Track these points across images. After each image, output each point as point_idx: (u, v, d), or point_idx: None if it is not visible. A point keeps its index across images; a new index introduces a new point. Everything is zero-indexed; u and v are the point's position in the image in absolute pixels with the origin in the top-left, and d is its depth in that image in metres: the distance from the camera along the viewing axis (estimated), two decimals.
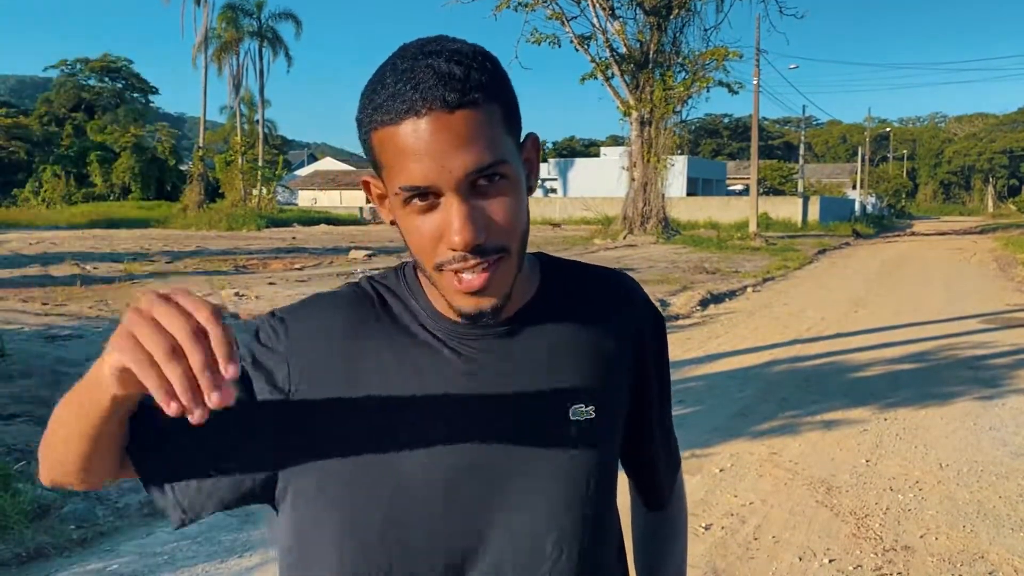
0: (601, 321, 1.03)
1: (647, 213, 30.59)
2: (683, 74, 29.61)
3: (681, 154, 41.66)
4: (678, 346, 9.18)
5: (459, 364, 0.94)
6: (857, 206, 52.89)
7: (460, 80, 0.81)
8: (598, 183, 47.24)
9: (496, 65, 0.86)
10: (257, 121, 53.34)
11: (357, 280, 1.02)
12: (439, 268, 0.86)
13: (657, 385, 1.10)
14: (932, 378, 7.48)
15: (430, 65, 0.81)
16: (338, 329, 0.95)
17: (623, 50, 29.50)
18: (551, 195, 52.85)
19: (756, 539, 3.91)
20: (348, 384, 0.92)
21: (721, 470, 4.90)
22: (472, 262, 0.84)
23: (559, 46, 30.36)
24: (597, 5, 28.84)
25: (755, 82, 30.75)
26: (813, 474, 4.83)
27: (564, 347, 0.99)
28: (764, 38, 31.85)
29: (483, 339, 0.95)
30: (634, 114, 29.58)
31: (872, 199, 61.21)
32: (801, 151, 50.62)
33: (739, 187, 57.32)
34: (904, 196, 79.77)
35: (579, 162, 56.88)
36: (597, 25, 29.40)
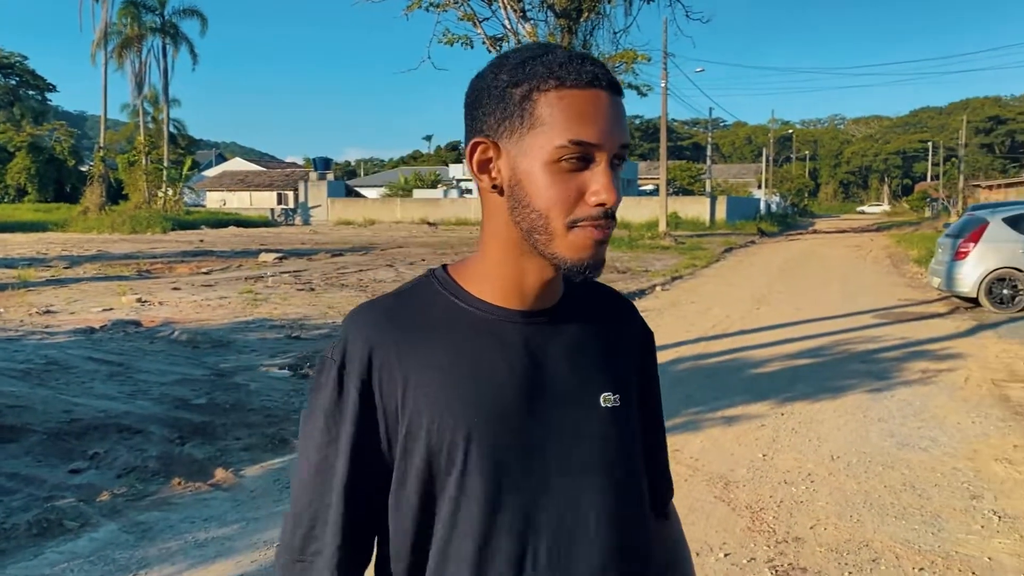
0: (615, 325, 1.16)
1: None
2: None
3: None
4: None
5: (508, 348, 1.04)
6: (762, 205, 54.65)
7: (614, 79, 0.98)
8: None
9: None
10: (162, 120, 51.59)
11: (394, 290, 1.10)
12: (574, 224, 0.97)
13: (656, 393, 1.23)
14: (827, 372, 7.81)
15: (593, 58, 1.00)
16: (403, 327, 1.04)
17: None
18: (466, 196, 52.82)
19: None
20: (419, 371, 1.01)
21: None
22: (607, 220, 0.98)
23: (472, 47, 30.26)
24: (508, 7, 28.99)
25: (663, 84, 31.42)
26: (713, 470, 4.98)
27: (592, 341, 1.11)
28: (672, 41, 32.58)
29: (532, 325, 1.06)
30: None
31: (776, 198, 63.37)
32: (708, 152, 52.02)
33: (650, 187, 58.43)
34: (806, 195, 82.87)
35: None
36: (509, 27, 29.38)
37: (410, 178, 60.21)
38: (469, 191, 55.04)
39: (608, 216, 0.97)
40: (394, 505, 1.03)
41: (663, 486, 1.25)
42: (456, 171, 60.75)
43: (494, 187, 1.01)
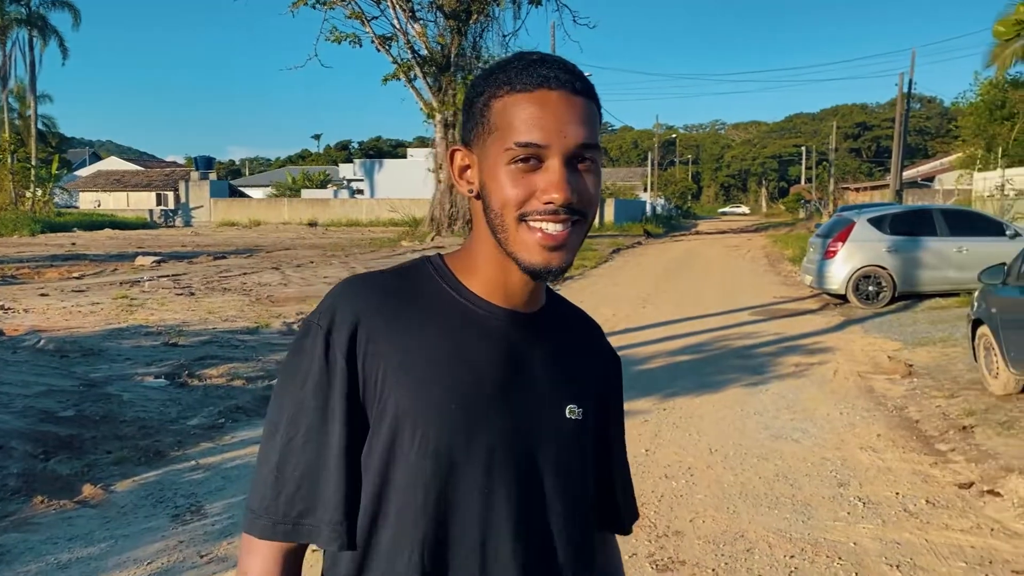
0: (586, 345, 1.19)
1: (454, 215, 30.85)
2: None
3: None
4: None
5: (491, 344, 1.06)
6: (648, 207, 56.11)
7: (580, 79, 1.01)
8: (405, 184, 47.04)
9: None
10: (30, 116, 48.56)
11: (390, 268, 1.12)
12: (523, 217, 0.98)
13: (622, 416, 1.27)
14: (707, 368, 8.08)
15: (559, 61, 1.02)
16: (392, 303, 1.05)
17: (425, 52, 29.58)
18: (357, 196, 52.04)
19: None
20: (399, 349, 1.02)
21: None
22: (561, 216, 0.98)
23: (360, 46, 29.98)
24: (397, 6, 28.74)
25: None
26: None
27: (566, 353, 1.14)
28: (559, 46, 33.01)
29: (515, 325, 1.08)
30: (438, 116, 29.73)
31: (661, 200, 65.20)
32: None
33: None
34: (690, 197, 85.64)
35: (387, 163, 56.40)
36: (398, 26, 29.30)
37: (298, 178, 58.84)
38: (360, 191, 54.27)
39: (566, 214, 0.98)
40: (363, 479, 1.03)
41: (627, 504, 1.28)
42: (346, 171, 59.77)
43: (470, 192, 1.05)
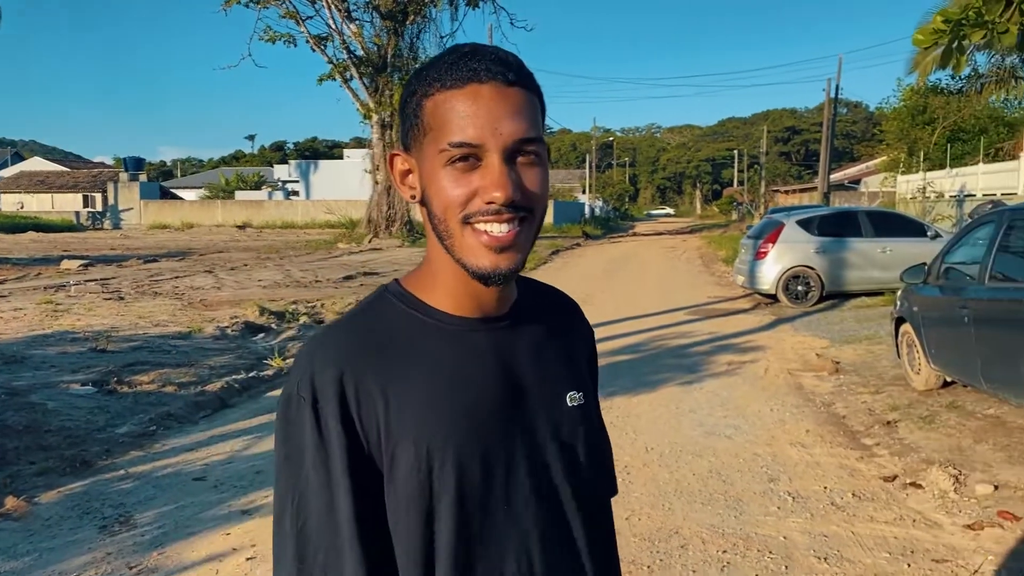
0: (567, 328, 1.17)
1: (392, 216, 30.66)
2: None
3: None
4: None
5: (478, 357, 1.02)
6: (587, 209, 56.65)
7: (515, 66, 0.96)
8: (342, 186, 46.60)
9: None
10: None
11: (349, 312, 1.07)
12: (467, 220, 0.94)
13: (596, 379, 1.24)
14: (644, 367, 8.20)
15: (491, 51, 0.96)
16: (375, 350, 1.00)
17: (361, 52, 29.33)
18: (293, 198, 51.28)
19: None
20: (398, 393, 0.97)
21: None
22: (505, 215, 0.93)
23: (295, 46, 29.61)
24: (333, 6, 28.43)
25: None
26: None
27: (551, 342, 1.11)
28: None
29: (495, 331, 1.05)
30: (374, 117, 29.51)
31: (600, 202, 65.88)
32: None
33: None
34: (627, 199, 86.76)
35: (322, 164, 55.76)
36: (333, 26, 29.01)
37: (232, 179, 57.70)
38: (296, 193, 53.51)
39: (511, 213, 0.94)
40: (393, 529, 0.98)
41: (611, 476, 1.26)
42: (282, 172, 58.86)
43: (413, 197, 1.02)
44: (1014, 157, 20.95)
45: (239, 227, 42.57)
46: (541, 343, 1.10)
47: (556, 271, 20.58)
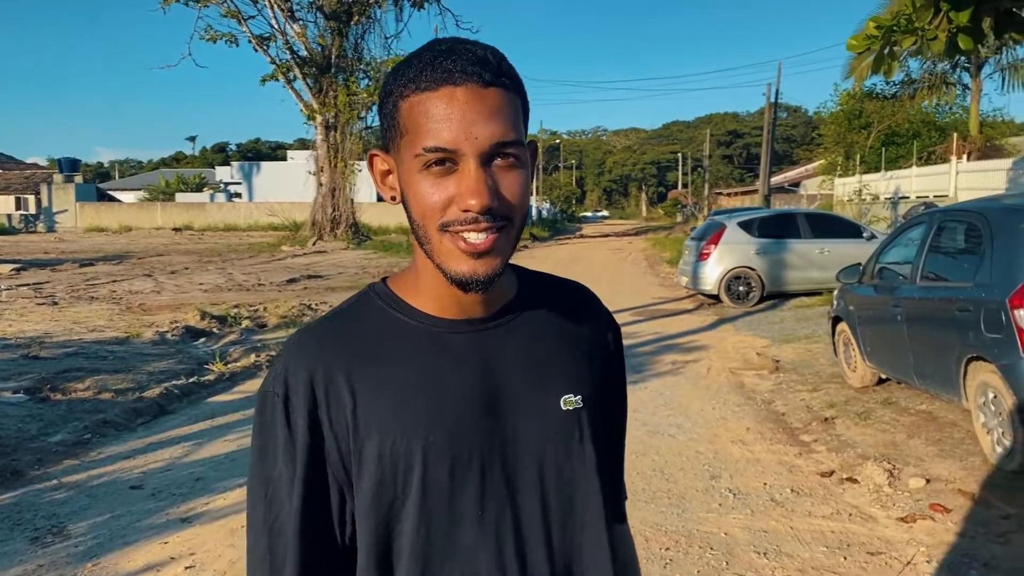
0: (575, 323, 1.11)
1: (336, 219, 30.36)
2: (366, 80, 29.81)
3: None
4: None
5: (458, 360, 1.00)
6: (534, 211, 56.88)
7: (494, 65, 0.92)
8: (286, 188, 45.91)
9: (516, 71, 0.97)
10: None
11: (333, 310, 1.06)
12: (445, 227, 0.92)
13: (620, 391, 1.18)
14: None
15: (468, 49, 0.92)
16: (348, 351, 1.00)
17: (304, 53, 29.00)
18: (235, 200, 50.41)
19: None
20: (366, 393, 0.97)
21: None
22: (483, 224, 0.90)
23: (237, 45, 29.13)
24: (275, 6, 28.05)
25: None
26: None
27: (548, 343, 1.06)
28: None
29: (481, 332, 1.02)
30: (319, 118, 29.20)
31: (547, 205, 66.21)
32: None
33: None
34: (574, 201, 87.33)
35: (265, 166, 54.86)
36: (276, 26, 28.62)
37: (172, 181, 56.47)
38: (238, 195, 52.61)
39: (488, 221, 0.91)
40: (359, 527, 0.99)
41: (617, 488, 1.19)
42: (223, 173, 57.80)
43: (393, 199, 0.99)
44: (945, 160, 21.64)
45: (175, 230, 41.59)
46: (536, 344, 1.06)
47: None
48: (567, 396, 1.05)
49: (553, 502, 1.03)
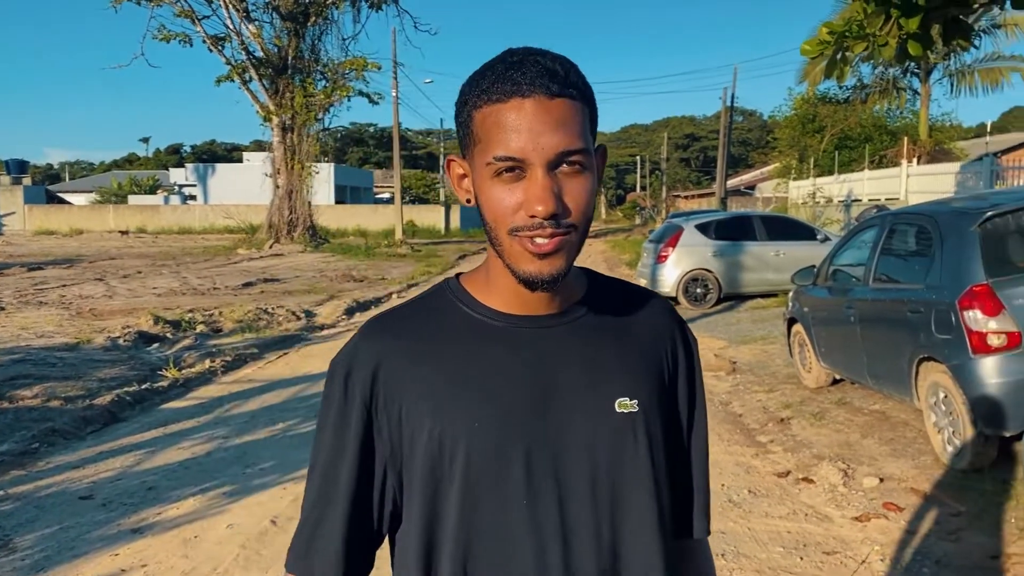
0: (640, 329, 1.14)
1: (294, 221, 30.01)
2: (323, 82, 29.54)
3: (327, 161, 41.53)
4: (320, 358, 9.11)
5: (524, 352, 1.05)
6: None
7: (562, 76, 0.97)
8: (242, 190, 45.28)
9: (586, 79, 1.02)
10: None
11: (410, 299, 1.14)
12: (514, 232, 0.97)
13: (689, 404, 1.17)
14: None
15: (537, 61, 0.97)
16: (412, 338, 1.07)
17: (260, 54, 28.65)
18: (190, 203, 49.60)
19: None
20: (424, 380, 1.04)
21: None
22: (548, 229, 0.96)
23: (191, 45, 28.69)
24: (230, 6, 27.67)
25: (394, 94, 31.68)
26: None
27: (608, 345, 1.09)
28: (401, 51, 33.05)
29: (542, 330, 1.07)
30: (275, 120, 28.85)
31: None
32: (441, 161, 53.19)
33: (387, 195, 58.62)
34: None
35: (221, 168, 54.05)
36: (231, 27, 28.21)
37: (125, 183, 55.38)
38: (193, 197, 51.79)
39: (553, 225, 0.96)
40: (406, 505, 1.06)
41: (698, 502, 1.19)
42: (178, 175, 56.84)
43: (468, 201, 1.05)
44: (896, 164, 22.11)
45: (122, 232, 40.58)
46: (595, 344, 1.09)
47: None
48: (622, 399, 1.07)
49: (603, 501, 1.05)
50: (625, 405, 1.07)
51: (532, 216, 0.96)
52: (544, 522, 1.03)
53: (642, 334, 1.14)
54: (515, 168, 0.96)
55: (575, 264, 1.10)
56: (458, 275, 1.14)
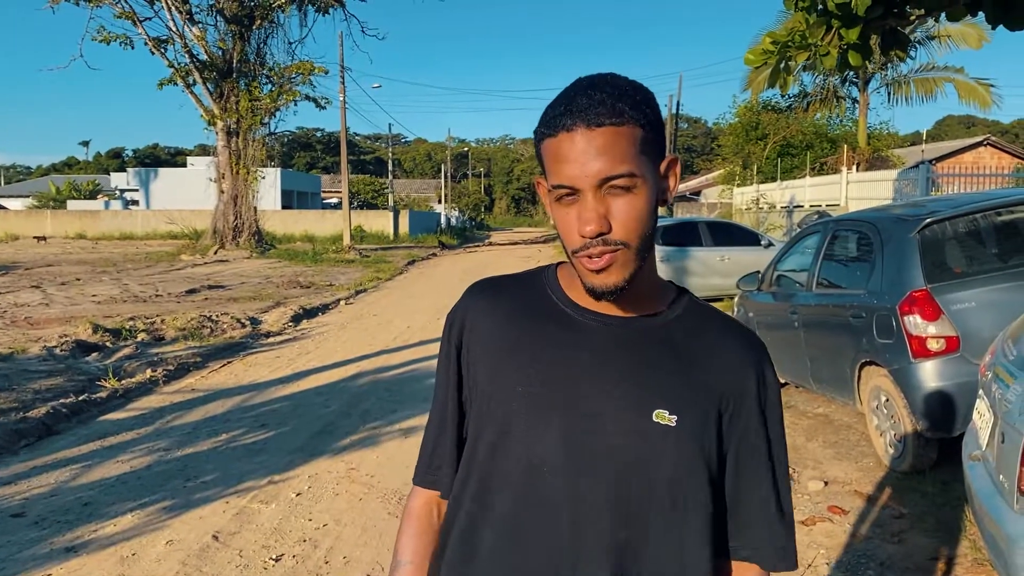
0: (709, 356, 1.18)
1: (239, 227, 29.50)
2: (270, 86, 29.13)
3: (273, 166, 40.94)
4: (266, 366, 8.94)
5: (582, 340, 1.16)
6: (443, 219, 56.69)
7: (607, 106, 1.06)
8: (185, 195, 44.40)
9: (646, 98, 1.10)
10: None
11: (514, 273, 1.33)
12: (575, 253, 1.09)
13: (755, 456, 1.19)
14: None
15: (588, 94, 1.07)
16: (499, 301, 1.25)
17: (204, 57, 28.13)
18: (132, 208, 48.45)
19: (327, 562, 3.89)
20: (494, 337, 1.21)
21: (298, 494, 4.83)
22: (597, 248, 1.07)
23: (132, 47, 28.06)
24: (173, 8, 27.12)
25: (341, 98, 31.35)
26: (388, 486, 4.98)
27: (670, 359, 1.16)
28: (348, 56, 32.69)
29: (605, 327, 1.17)
30: (220, 124, 28.35)
31: (456, 212, 66.12)
32: (390, 167, 52.92)
33: (335, 200, 58.03)
34: (483, 209, 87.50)
35: (164, 172, 52.94)
36: (174, 29, 27.65)
37: (63, 188, 53.89)
38: (135, 202, 50.64)
39: (602, 244, 1.06)
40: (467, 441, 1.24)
41: (768, 540, 1.21)
42: (119, 180, 55.51)
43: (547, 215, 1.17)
44: (836, 171, 22.60)
45: (37, 239, 39.10)
46: (652, 353, 1.16)
47: (411, 281, 20.44)
48: (660, 410, 1.12)
49: (622, 497, 1.11)
50: (663, 417, 1.12)
51: (583, 236, 1.07)
52: (557, 490, 1.11)
53: (710, 361, 1.18)
54: (572, 194, 1.07)
55: (672, 282, 1.27)
56: (560, 263, 1.27)
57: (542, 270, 1.28)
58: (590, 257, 1.08)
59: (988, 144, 29.95)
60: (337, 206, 49.75)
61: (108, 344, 9.93)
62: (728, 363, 1.19)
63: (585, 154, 1.05)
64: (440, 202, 67.29)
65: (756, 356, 1.21)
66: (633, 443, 1.11)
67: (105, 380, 7.75)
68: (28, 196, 54.82)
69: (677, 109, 39.06)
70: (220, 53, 28.32)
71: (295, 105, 29.29)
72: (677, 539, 1.13)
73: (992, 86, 24.96)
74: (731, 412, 1.17)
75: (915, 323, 4.72)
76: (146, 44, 27.71)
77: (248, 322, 12.17)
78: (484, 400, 1.19)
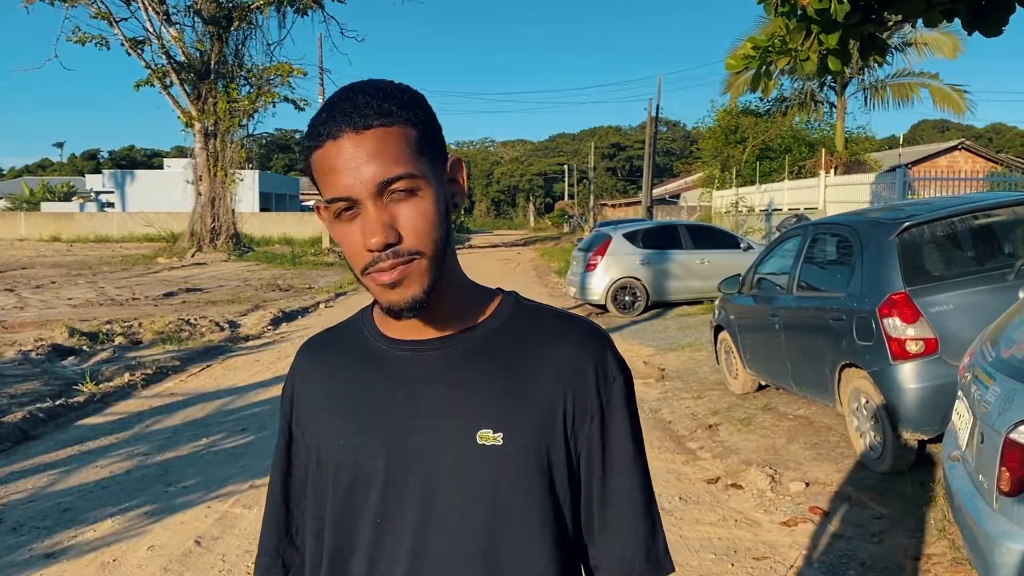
0: (539, 362, 1.07)
1: (217, 229, 29.30)
2: (248, 87, 28.96)
3: (251, 168, 40.66)
4: (245, 370, 8.89)
5: (395, 376, 1.07)
6: None
7: (373, 108, 0.96)
8: (162, 197, 44.02)
9: (415, 98, 1.02)
10: None
11: (333, 325, 1.22)
12: (364, 271, 0.99)
13: (601, 449, 1.09)
14: None
15: (350, 98, 0.98)
16: (320, 358, 1.17)
17: (182, 58, 27.91)
18: (108, 210, 47.96)
19: None
20: (316, 397, 1.14)
21: None
22: (388, 262, 0.96)
23: (108, 48, 27.80)
24: (149, 8, 26.89)
25: (320, 100, 31.21)
26: None
27: (484, 374, 1.05)
28: (327, 57, 32.68)
29: (420, 354, 1.07)
30: (197, 125, 28.14)
31: None
32: None
33: (313, 202, 57.75)
34: (463, 212, 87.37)
35: (140, 174, 52.47)
36: (151, 30, 27.42)
37: (37, 190, 53.27)
38: (111, 204, 50.16)
39: (393, 256, 0.96)
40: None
41: (620, 546, 1.09)
42: (95, 182, 54.95)
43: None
44: (815, 174, 22.80)
45: (10, 240, 38.57)
46: (475, 372, 1.05)
47: None
48: (484, 431, 1.03)
49: (468, 530, 1.03)
50: (487, 437, 1.02)
51: (370, 250, 0.96)
52: (395, 545, 1.04)
53: (542, 364, 1.07)
54: (351, 207, 0.97)
55: (500, 288, 1.16)
56: (375, 302, 1.09)
57: (360, 313, 1.17)
58: (381, 272, 0.97)
59: (963, 148, 30.33)
60: None
61: (85, 348, 9.83)
62: (563, 362, 1.07)
63: (356, 159, 0.95)
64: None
65: (594, 347, 1.10)
66: (462, 473, 1.02)
67: (82, 384, 7.67)
68: (1, 198, 54.10)
69: (657, 112, 39.25)
70: (198, 54, 28.13)
71: (274, 107, 29.20)
72: (531, 558, 1.04)
73: (966, 92, 25.39)
74: (574, 413, 1.07)
75: (894, 325, 4.77)
76: (122, 45, 27.46)
77: (227, 325, 12.09)
78: (315, 465, 1.11)
